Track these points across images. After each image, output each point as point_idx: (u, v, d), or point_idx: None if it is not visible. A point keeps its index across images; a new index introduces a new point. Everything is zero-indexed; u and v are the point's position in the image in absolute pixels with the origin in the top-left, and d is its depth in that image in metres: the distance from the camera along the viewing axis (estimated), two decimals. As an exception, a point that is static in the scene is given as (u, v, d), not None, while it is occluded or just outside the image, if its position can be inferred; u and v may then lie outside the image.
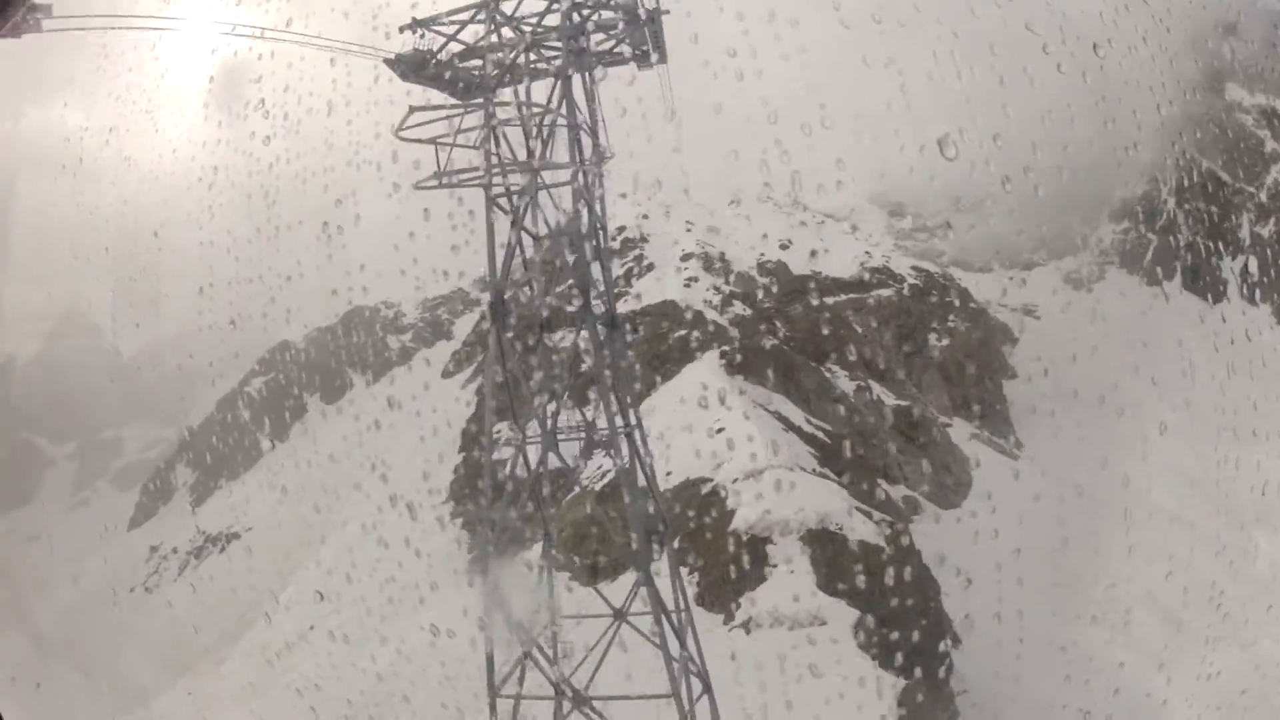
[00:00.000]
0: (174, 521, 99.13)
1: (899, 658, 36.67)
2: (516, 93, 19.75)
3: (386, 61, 20.20)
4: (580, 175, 20.61)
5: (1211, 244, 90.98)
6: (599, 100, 20.42)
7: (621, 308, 28.86)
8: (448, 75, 19.92)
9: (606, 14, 19.87)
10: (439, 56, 19.71)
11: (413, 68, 19.60)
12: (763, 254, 76.96)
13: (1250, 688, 48.27)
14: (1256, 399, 65.04)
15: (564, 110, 20.07)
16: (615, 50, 20.65)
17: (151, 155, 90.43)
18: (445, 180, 22.22)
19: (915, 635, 39.52)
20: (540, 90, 20.35)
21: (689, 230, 76.84)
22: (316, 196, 64.99)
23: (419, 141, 21.35)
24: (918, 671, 37.83)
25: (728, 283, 72.06)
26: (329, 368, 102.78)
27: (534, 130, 20.19)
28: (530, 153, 21.02)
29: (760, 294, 72.92)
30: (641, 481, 28.18)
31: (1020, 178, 50.19)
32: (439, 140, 21.34)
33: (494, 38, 19.74)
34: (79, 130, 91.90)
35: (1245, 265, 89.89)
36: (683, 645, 26.84)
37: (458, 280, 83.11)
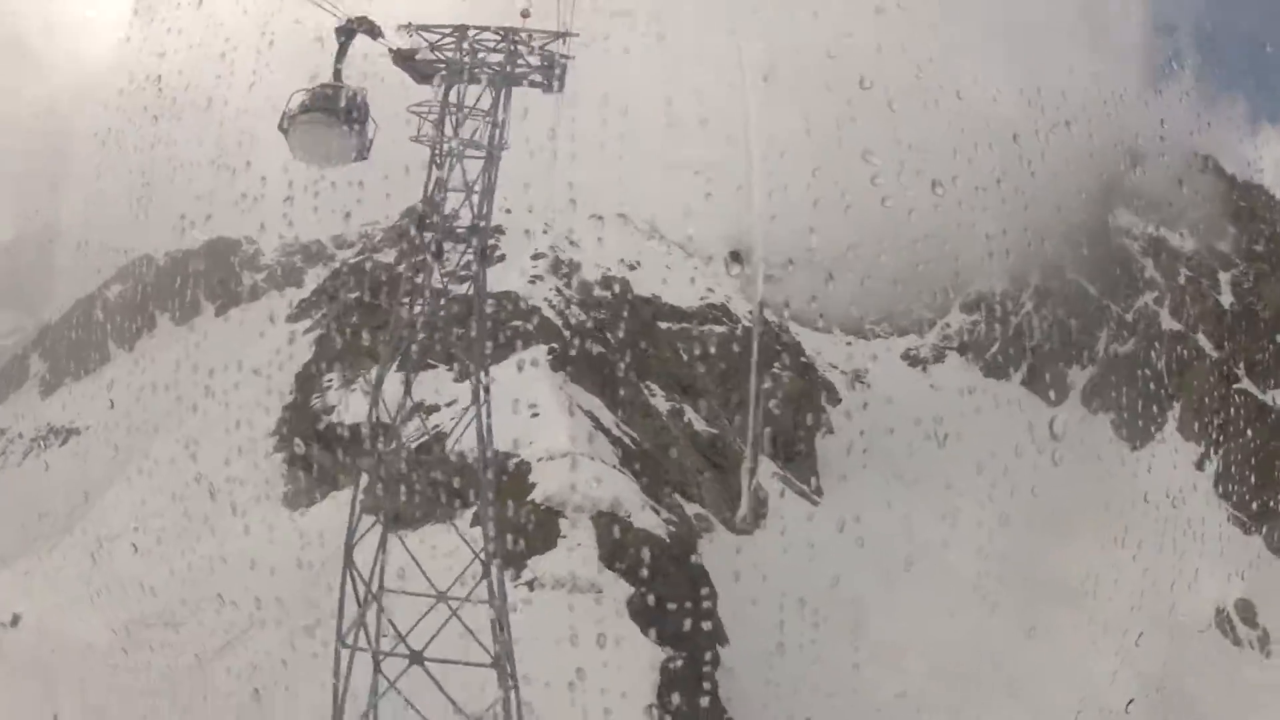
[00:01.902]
0: (22, 408, 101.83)
1: (665, 635, 40.65)
2: (462, 91, 24.14)
3: (360, 26, 24.26)
4: (489, 157, 24.89)
5: (1063, 350, 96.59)
6: (508, 110, 25.00)
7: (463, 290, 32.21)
8: (419, 68, 24.34)
9: (533, 59, 24.59)
10: (420, 54, 24.00)
11: (402, 57, 23.83)
12: (609, 269, 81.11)
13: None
14: (1071, 498, 73.05)
15: (493, 113, 24.55)
16: (531, 77, 25.28)
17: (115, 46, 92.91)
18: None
19: (685, 622, 42.54)
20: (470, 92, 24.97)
21: (545, 232, 79.74)
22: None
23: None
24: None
25: (569, 287, 75.83)
26: (183, 289, 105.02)
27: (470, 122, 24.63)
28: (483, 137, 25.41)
29: (599, 305, 76.13)
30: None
31: (873, 254, 54.75)
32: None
33: (460, 54, 24.26)
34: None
35: (1092, 377, 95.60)
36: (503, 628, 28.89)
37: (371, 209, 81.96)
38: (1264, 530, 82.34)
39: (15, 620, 56.84)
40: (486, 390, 28.79)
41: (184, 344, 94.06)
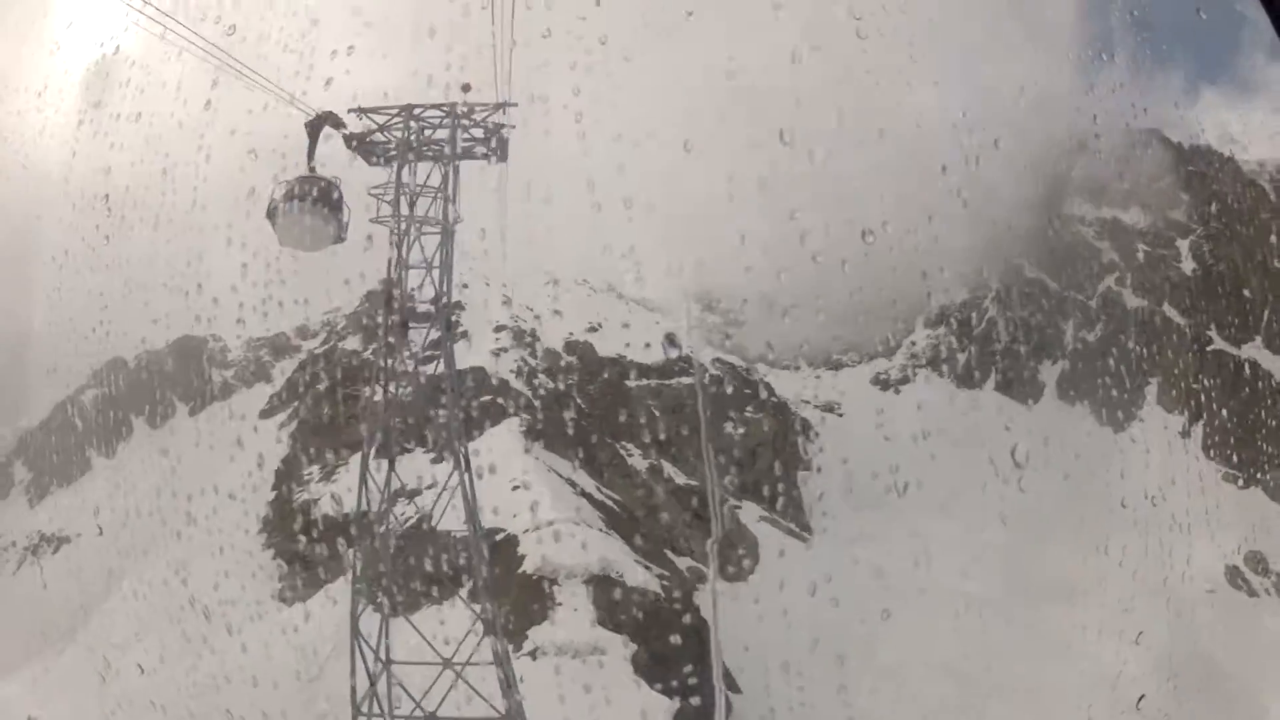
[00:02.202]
0: (11, 518, 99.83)
1: (673, 687, 41.39)
2: (413, 169, 24.88)
3: (328, 121, 25.09)
4: (444, 232, 25.54)
5: (1030, 349, 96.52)
6: (458, 184, 25.68)
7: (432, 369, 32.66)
8: (369, 150, 25.02)
9: (476, 131, 25.31)
10: (371, 136, 24.66)
11: (356, 141, 24.55)
12: (571, 333, 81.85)
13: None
14: (1071, 494, 73.06)
15: (443, 188, 25.23)
16: (475, 149, 26.01)
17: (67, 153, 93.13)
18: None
19: (691, 672, 43.88)
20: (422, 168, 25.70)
21: (505, 303, 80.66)
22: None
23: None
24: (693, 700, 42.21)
25: (534, 356, 76.95)
26: (154, 392, 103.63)
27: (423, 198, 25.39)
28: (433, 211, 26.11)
29: (564, 372, 76.91)
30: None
31: (836, 281, 55.13)
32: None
33: (407, 133, 24.97)
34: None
35: (1064, 370, 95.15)
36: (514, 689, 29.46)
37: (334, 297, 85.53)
38: (1261, 483, 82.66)
39: None
40: (467, 463, 29.28)
41: (162, 451, 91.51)
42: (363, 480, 28.55)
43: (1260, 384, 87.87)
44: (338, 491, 63.73)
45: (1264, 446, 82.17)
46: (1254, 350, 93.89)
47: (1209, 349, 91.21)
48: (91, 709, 56.83)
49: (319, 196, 24.23)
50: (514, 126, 25.95)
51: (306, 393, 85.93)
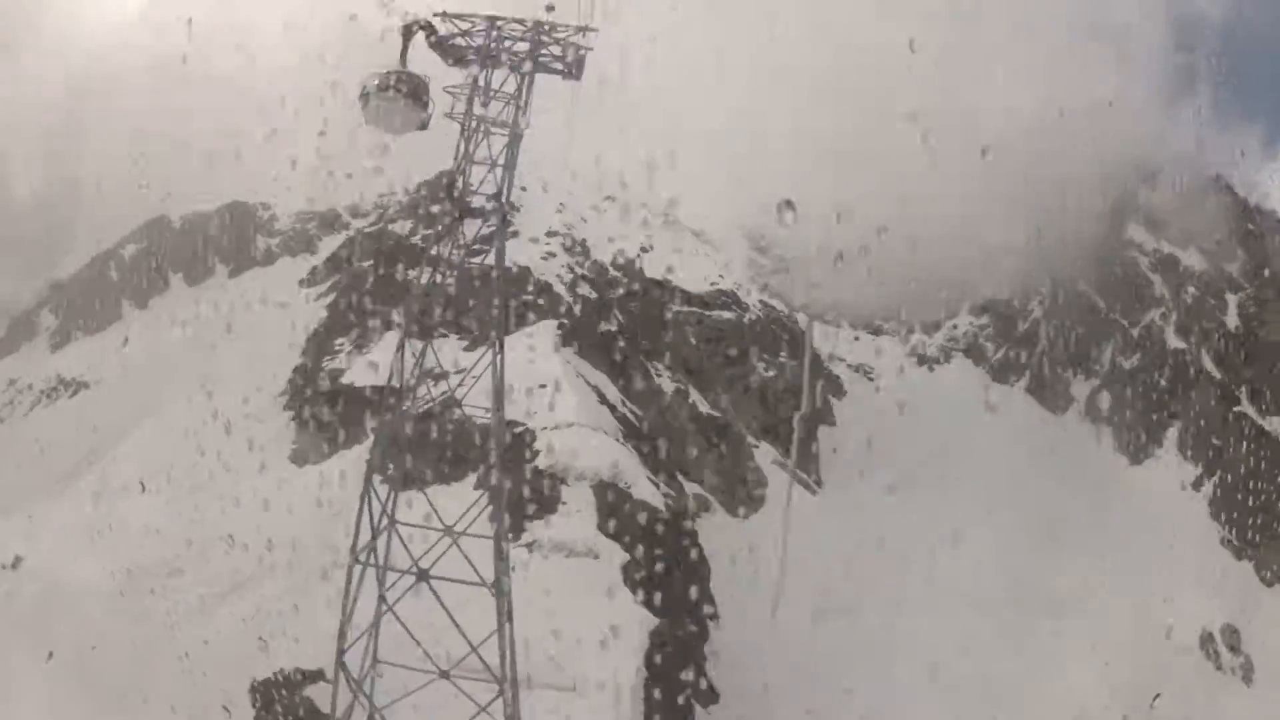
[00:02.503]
0: (32, 361, 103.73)
1: (657, 603, 42.23)
2: (489, 76, 26.66)
3: (422, 27, 27.04)
4: (513, 134, 27.22)
5: (1068, 359, 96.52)
6: (530, 94, 27.47)
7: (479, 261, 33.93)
8: (452, 52, 26.89)
9: (554, 48, 27.06)
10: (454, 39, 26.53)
11: (438, 42, 26.45)
12: (622, 250, 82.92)
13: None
14: (1075, 510, 74.45)
15: (517, 96, 26.92)
16: (551, 64, 27.75)
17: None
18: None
19: (677, 592, 45.78)
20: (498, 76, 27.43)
21: (559, 211, 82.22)
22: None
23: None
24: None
25: (581, 265, 77.70)
26: (197, 251, 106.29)
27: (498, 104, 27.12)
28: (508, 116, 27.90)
29: (608, 285, 78.40)
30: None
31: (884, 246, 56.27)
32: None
33: (489, 41, 26.79)
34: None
35: (1094, 389, 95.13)
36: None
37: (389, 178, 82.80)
38: (1253, 559, 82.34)
39: (16, 562, 57.65)
40: (501, 347, 30.86)
41: (197, 304, 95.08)
42: (400, 355, 30.07)
43: (1275, 460, 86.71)
44: (366, 364, 65.99)
45: (1261, 521, 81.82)
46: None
47: (1235, 409, 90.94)
48: (82, 538, 57.50)
49: (409, 88, 26.07)
50: (592, 49, 27.67)
51: (349, 267, 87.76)
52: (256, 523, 52.16)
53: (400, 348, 30.18)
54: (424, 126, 27.52)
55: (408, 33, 27.46)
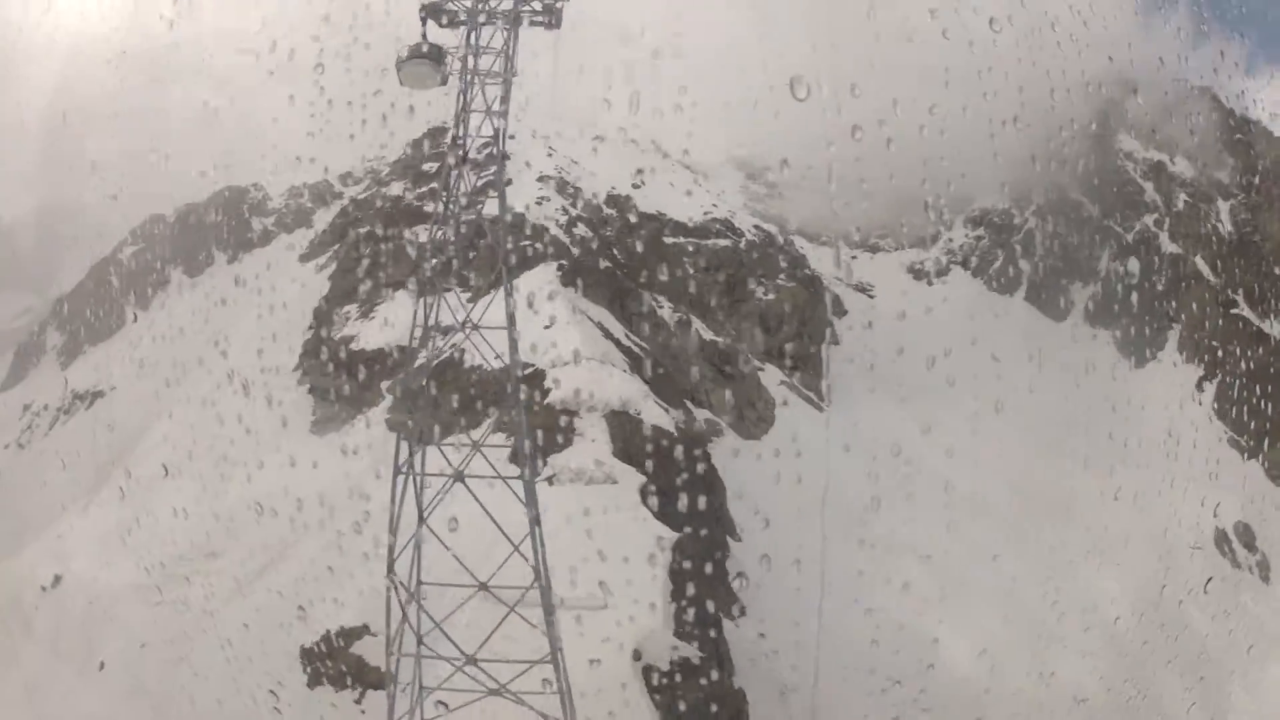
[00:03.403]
0: (44, 382, 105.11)
1: (676, 520, 44.63)
2: (478, 33, 30.04)
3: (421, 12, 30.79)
4: (505, 82, 30.27)
5: (1065, 267, 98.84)
6: (516, 46, 30.59)
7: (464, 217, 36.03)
8: (439, 14, 30.33)
9: (535, 3, 30.36)
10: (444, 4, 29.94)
11: (431, 10, 29.98)
12: (614, 187, 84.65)
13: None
14: (1081, 415, 75.05)
15: (504, 49, 30.04)
16: (532, 18, 30.88)
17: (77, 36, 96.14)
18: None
19: (694, 509, 47.39)
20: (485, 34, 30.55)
21: (550, 155, 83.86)
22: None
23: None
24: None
25: (575, 206, 79.48)
26: (193, 243, 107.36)
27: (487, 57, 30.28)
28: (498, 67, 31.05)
29: (603, 223, 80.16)
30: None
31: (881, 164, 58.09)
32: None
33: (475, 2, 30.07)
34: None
35: (1094, 295, 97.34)
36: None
37: (377, 145, 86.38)
38: (1262, 458, 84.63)
39: (56, 581, 60.34)
40: (510, 296, 33.47)
41: (199, 295, 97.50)
42: (421, 316, 32.65)
43: (1276, 360, 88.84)
44: (372, 328, 68.49)
45: (1266, 420, 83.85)
46: (1278, 328, 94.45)
47: (1232, 311, 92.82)
48: (114, 542, 59.92)
49: (431, 53, 29.61)
50: (568, 0, 30.94)
51: (347, 235, 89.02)
52: (284, 490, 53.65)
53: (418, 303, 32.76)
54: (444, 83, 30.89)
55: (424, 16, 31.27)
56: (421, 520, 30.96)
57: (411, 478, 30.93)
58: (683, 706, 36.49)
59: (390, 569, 31.02)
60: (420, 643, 31.14)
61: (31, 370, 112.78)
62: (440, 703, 31.25)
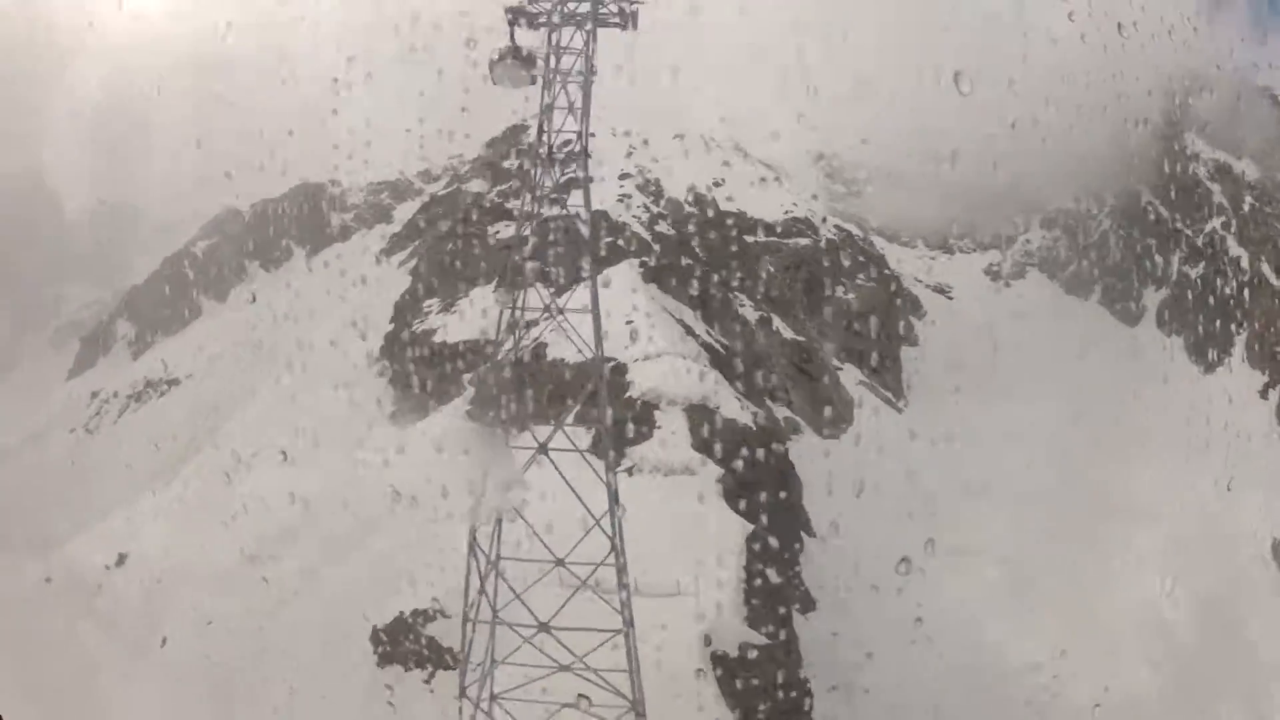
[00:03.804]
0: (113, 371, 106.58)
1: (752, 513, 46.38)
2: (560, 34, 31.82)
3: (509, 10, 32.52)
4: (586, 81, 31.94)
5: (1137, 270, 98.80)
6: (595, 46, 32.24)
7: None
8: (528, 20, 32.09)
9: (612, 5, 32.04)
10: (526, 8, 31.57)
11: (515, 13, 31.65)
12: (695, 185, 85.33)
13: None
14: (1150, 419, 75.31)
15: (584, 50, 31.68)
16: (609, 19, 32.49)
17: (165, 17, 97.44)
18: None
19: (771, 503, 49.06)
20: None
21: (630, 155, 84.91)
22: (329, 52, 71.92)
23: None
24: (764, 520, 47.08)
25: (657, 204, 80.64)
26: (270, 237, 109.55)
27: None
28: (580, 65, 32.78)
29: (685, 220, 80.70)
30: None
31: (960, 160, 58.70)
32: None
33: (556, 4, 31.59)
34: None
35: (1165, 298, 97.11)
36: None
37: (462, 141, 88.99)
38: None
39: (121, 560, 62.09)
40: (596, 290, 35.13)
41: (278, 287, 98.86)
42: (512, 310, 34.38)
43: None
44: (454, 322, 69.80)
45: None
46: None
47: None
48: (189, 531, 61.28)
49: (521, 55, 31.37)
50: (644, 2, 32.49)
51: (428, 231, 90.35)
52: (362, 480, 56.15)
53: (510, 301, 34.42)
54: (533, 82, 32.73)
55: (510, 19, 33.02)
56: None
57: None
58: (748, 692, 37.99)
59: (472, 541, 32.71)
60: (495, 614, 32.69)
61: (100, 359, 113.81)
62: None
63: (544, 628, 32.39)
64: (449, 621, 44.92)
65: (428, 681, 46.16)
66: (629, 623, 32.82)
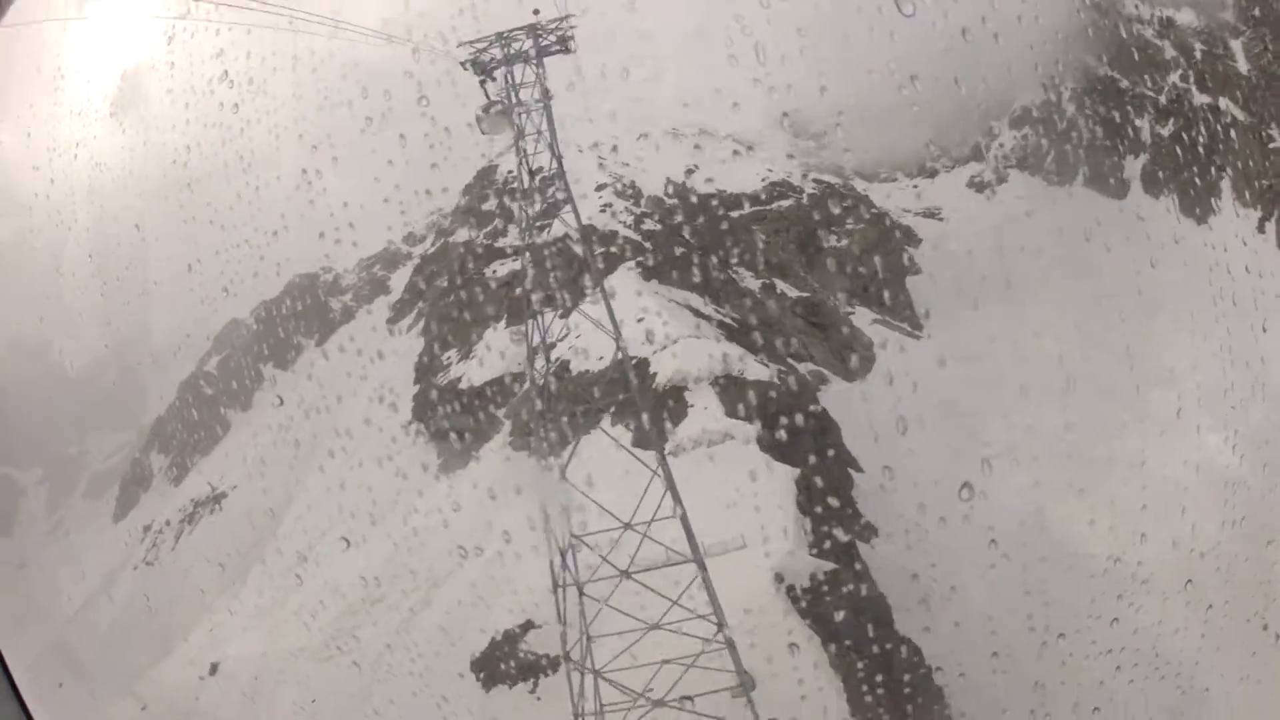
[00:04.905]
0: (158, 502, 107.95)
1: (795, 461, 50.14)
2: (511, 73, 36.58)
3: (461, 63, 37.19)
4: (546, 109, 36.63)
5: (1112, 144, 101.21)
6: (544, 73, 36.97)
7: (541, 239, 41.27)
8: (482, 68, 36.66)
9: (550, 37, 36.64)
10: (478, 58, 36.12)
11: (473, 63, 36.39)
12: (669, 178, 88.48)
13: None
14: (1162, 287, 76.58)
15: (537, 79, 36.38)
16: (551, 49, 37.13)
17: (122, 155, 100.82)
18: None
19: (811, 442, 53.38)
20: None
21: (601, 165, 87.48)
22: (292, 147, 76.03)
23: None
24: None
25: (638, 205, 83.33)
26: (278, 337, 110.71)
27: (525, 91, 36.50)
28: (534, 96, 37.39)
29: (668, 213, 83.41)
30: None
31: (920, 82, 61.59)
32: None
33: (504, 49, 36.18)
34: (46, 153, 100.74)
35: (1145, 164, 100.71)
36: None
37: (440, 196, 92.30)
38: None
39: (214, 669, 64.72)
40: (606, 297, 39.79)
41: (299, 383, 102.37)
42: (529, 340, 38.99)
43: None
44: (475, 368, 72.90)
45: None
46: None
47: (1270, 146, 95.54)
48: (269, 628, 64.87)
49: (498, 107, 35.93)
50: (576, 25, 37.28)
51: (428, 290, 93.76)
52: (425, 545, 60.40)
53: (526, 329, 39.04)
54: (510, 129, 37.38)
55: (477, 70, 37.71)
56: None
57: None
58: (831, 616, 42.11)
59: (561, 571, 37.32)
60: (581, 591, 37.28)
61: (142, 495, 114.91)
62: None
63: (625, 575, 36.72)
64: (541, 630, 49.22)
65: (533, 692, 49.47)
66: (703, 566, 37.07)
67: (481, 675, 51.19)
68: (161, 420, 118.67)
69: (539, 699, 48.58)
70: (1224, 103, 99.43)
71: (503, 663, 50.56)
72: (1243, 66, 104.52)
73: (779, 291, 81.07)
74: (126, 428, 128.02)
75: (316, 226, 74.19)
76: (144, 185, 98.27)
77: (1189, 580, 53.72)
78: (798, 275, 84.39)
